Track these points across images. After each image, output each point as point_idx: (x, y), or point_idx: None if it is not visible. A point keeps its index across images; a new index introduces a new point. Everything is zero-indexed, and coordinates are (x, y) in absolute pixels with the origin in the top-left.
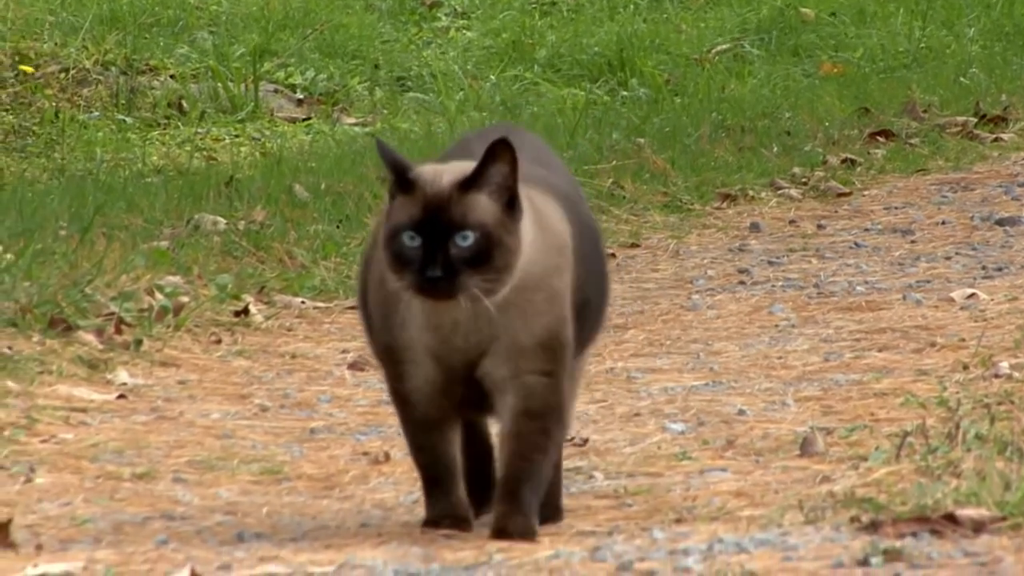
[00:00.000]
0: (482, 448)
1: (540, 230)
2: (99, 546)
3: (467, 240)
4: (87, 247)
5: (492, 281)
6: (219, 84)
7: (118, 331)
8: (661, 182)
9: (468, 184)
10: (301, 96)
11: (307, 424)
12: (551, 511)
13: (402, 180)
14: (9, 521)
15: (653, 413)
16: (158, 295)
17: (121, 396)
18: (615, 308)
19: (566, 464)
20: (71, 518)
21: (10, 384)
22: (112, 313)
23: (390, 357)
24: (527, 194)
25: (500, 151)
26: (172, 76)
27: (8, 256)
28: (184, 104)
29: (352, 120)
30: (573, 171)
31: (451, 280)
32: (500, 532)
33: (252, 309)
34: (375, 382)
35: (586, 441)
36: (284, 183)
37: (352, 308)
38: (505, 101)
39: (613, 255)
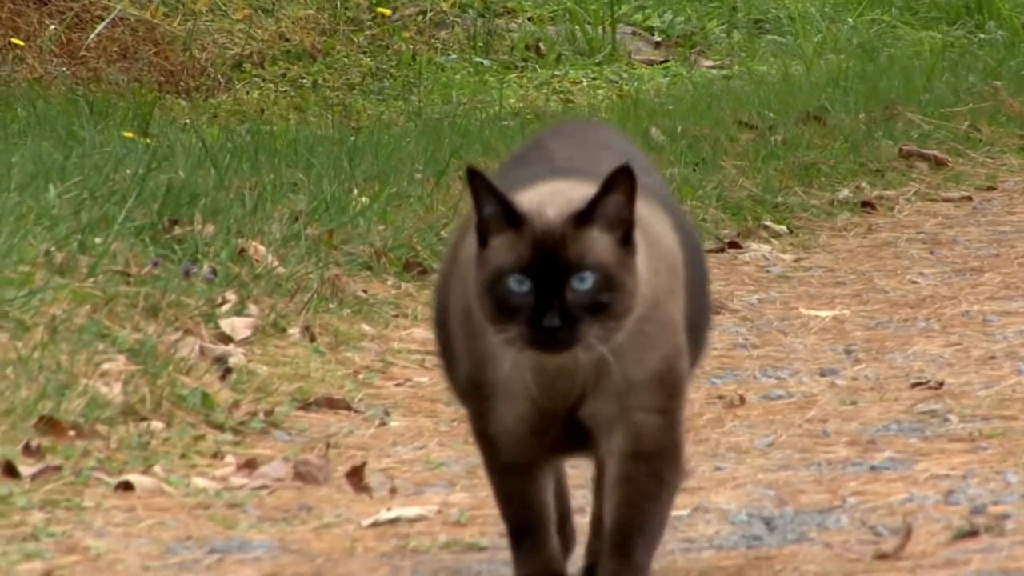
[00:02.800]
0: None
1: (649, 246)
2: (453, 490)
3: (585, 283)
4: (442, 190)
5: (611, 329)
6: (576, 27)
7: None
8: (1018, 125)
9: (583, 218)
10: (658, 39)
11: None
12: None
13: (509, 214)
14: (363, 465)
15: (1009, 356)
16: None
17: None
18: (971, 251)
19: (919, 407)
20: (425, 462)
21: (365, 328)
22: None
23: (477, 393)
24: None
25: (620, 180)
26: (529, 18)
27: (364, 199)
28: (541, 46)
29: (709, 63)
30: (930, 114)
31: (570, 330)
32: None
33: None
34: (731, 325)
35: (941, 384)
36: (640, 126)
37: (708, 251)
38: (862, 44)
39: (968, 198)
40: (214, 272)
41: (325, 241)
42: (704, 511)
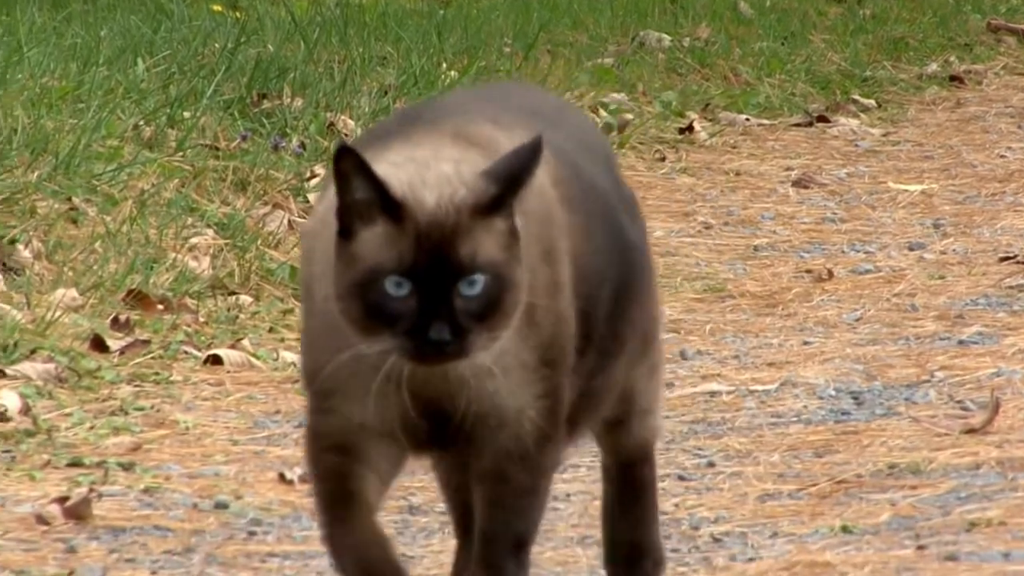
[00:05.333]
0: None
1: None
2: None
3: (476, 287)
4: (531, 64)
5: (499, 335)
6: None
7: None
8: None
9: (483, 210)
10: None
11: (750, 241)
12: (649, 563)
13: (385, 201)
14: None
15: None
16: (602, 112)
17: None
18: None
19: (1007, 281)
20: None
21: None
22: None
23: (322, 387)
24: None
25: (533, 158)
26: None
27: (452, 73)
28: None
29: None
30: None
31: (460, 342)
32: None
33: (696, 126)
34: (819, 199)
35: None
36: (729, 0)
37: (797, 125)
38: None
39: None
40: (303, 146)
41: None
42: (792, 385)
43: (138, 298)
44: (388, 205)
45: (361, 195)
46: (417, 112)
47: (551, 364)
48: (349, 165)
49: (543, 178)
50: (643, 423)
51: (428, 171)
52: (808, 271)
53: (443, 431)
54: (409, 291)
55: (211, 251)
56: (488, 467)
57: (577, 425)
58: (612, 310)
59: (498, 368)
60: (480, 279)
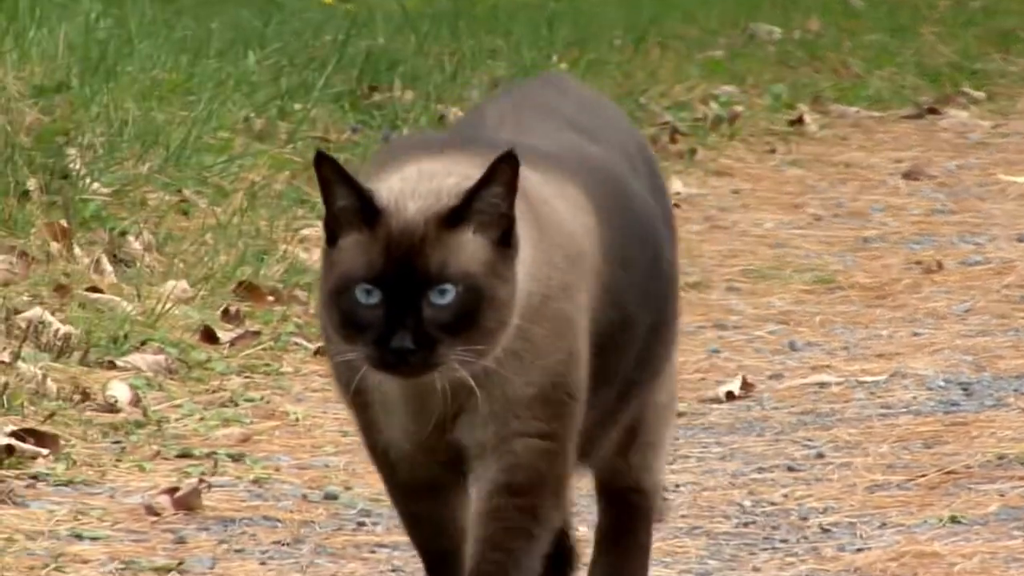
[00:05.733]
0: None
1: (540, 235)
2: None
3: (446, 297)
4: (641, 57)
5: (477, 351)
6: None
7: (672, 140)
8: None
9: (453, 217)
10: None
11: (860, 233)
12: None
13: (365, 208)
14: None
15: None
16: (712, 104)
17: (675, 205)
18: None
19: None
20: None
21: None
22: (666, 122)
23: (356, 401)
24: (522, 185)
25: (500, 170)
26: None
27: (563, 65)
28: None
29: None
30: None
31: (426, 353)
32: None
33: (806, 118)
34: (928, 191)
35: None
36: None
37: (906, 118)
38: None
39: None
40: None
41: None
42: (901, 376)
43: (248, 289)
44: (368, 213)
45: (343, 203)
46: (472, 127)
47: (555, 405)
48: (328, 172)
49: (573, 205)
50: (644, 457)
51: (426, 183)
52: (918, 262)
53: (444, 455)
54: (379, 300)
55: (321, 242)
56: (481, 501)
57: (587, 456)
58: (647, 330)
59: (483, 393)
60: (451, 289)
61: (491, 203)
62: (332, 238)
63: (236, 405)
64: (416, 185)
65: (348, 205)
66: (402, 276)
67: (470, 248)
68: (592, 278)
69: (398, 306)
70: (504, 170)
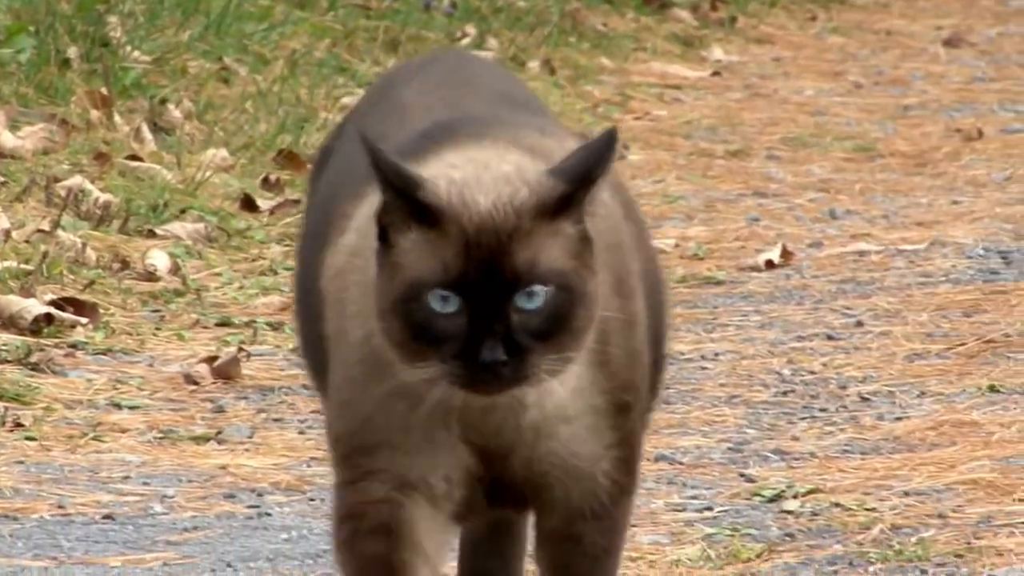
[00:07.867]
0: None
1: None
2: (691, 223)
3: (535, 300)
4: None
5: (568, 356)
6: None
7: (713, 8)
8: None
9: (547, 210)
10: None
11: (900, 101)
12: None
13: (415, 205)
14: None
15: None
16: None
17: (715, 73)
18: None
19: None
20: (663, 195)
21: (605, 61)
22: None
23: (357, 445)
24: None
25: (612, 150)
26: None
27: None
28: None
29: None
30: None
31: (517, 364)
32: None
33: None
34: (969, 59)
35: None
36: None
37: None
38: None
39: None
40: (454, 5)
41: None
42: (941, 245)
43: (288, 158)
44: (421, 210)
45: (391, 197)
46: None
47: (625, 409)
48: (377, 160)
49: (606, 191)
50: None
51: (484, 172)
52: (958, 131)
53: (501, 486)
54: (458, 307)
55: None
56: (558, 527)
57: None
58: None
59: (569, 412)
60: (542, 291)
61: (597, 187)
62: (384, 234)
63: (275, 273)
64: (475, 176)
65: (400, 200)
66: (486, 279)
67: (563, 242)
68: (636, 266)
69: (484, 313)
70: (609, 148)
